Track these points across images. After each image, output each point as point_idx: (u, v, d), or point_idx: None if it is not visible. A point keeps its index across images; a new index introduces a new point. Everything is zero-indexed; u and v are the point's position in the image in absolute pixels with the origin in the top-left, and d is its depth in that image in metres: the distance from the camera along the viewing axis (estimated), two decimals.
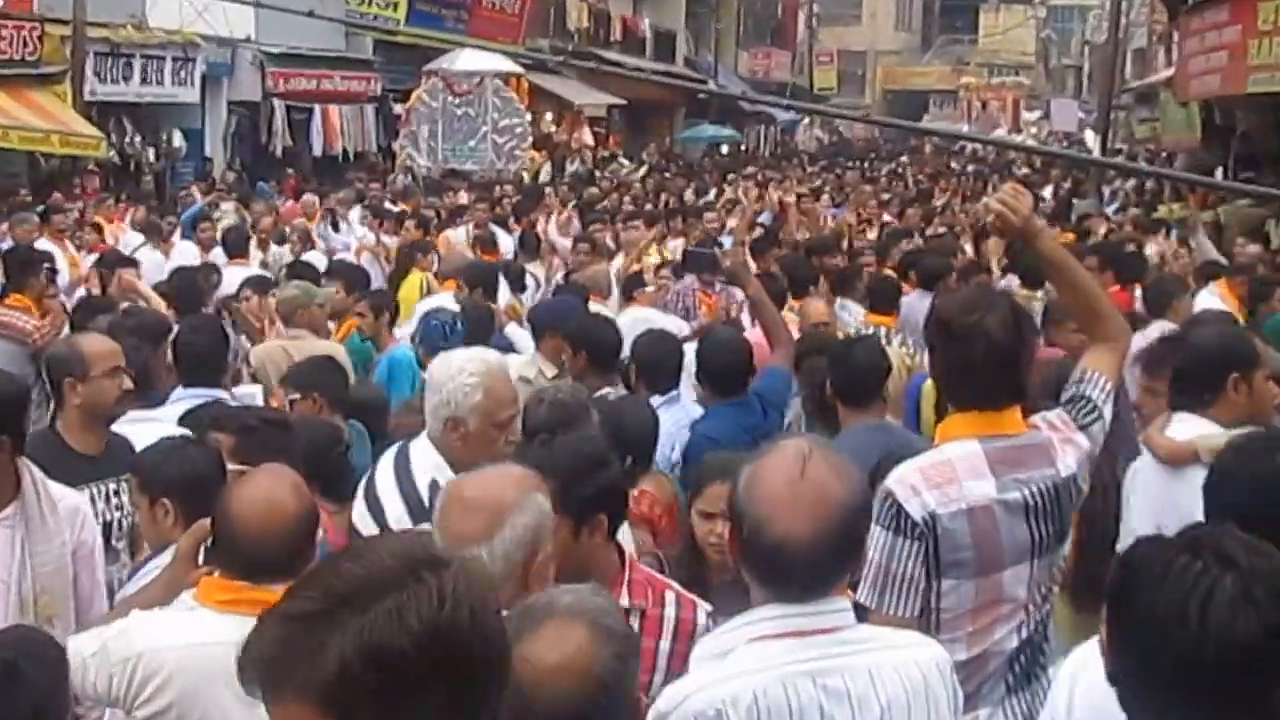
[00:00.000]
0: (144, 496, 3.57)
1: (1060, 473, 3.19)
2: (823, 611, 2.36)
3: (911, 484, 3.13)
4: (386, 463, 3.80)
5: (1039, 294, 8.86)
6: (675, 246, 12.24)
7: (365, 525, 3.68)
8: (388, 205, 15.83)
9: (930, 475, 3.14)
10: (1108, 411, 3.26)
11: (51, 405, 4.72)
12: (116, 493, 4.32)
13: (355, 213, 15.43)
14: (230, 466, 3.64)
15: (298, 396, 5.15)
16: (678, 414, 5.31)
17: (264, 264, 11.47)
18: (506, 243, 13.02)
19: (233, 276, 9.64)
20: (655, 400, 5.44)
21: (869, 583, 3.16)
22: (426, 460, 3.70)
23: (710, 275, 8.14)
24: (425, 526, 3.02)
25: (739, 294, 7.53)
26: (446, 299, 8.58)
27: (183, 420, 4.74)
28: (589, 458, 3.15)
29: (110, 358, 4.43)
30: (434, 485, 3.55)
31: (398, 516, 3.62)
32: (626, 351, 5.70)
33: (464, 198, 17.05)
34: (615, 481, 3.22)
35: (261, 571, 2.91)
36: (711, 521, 3.73)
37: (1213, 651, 1.84)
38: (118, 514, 4.32)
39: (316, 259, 11.98)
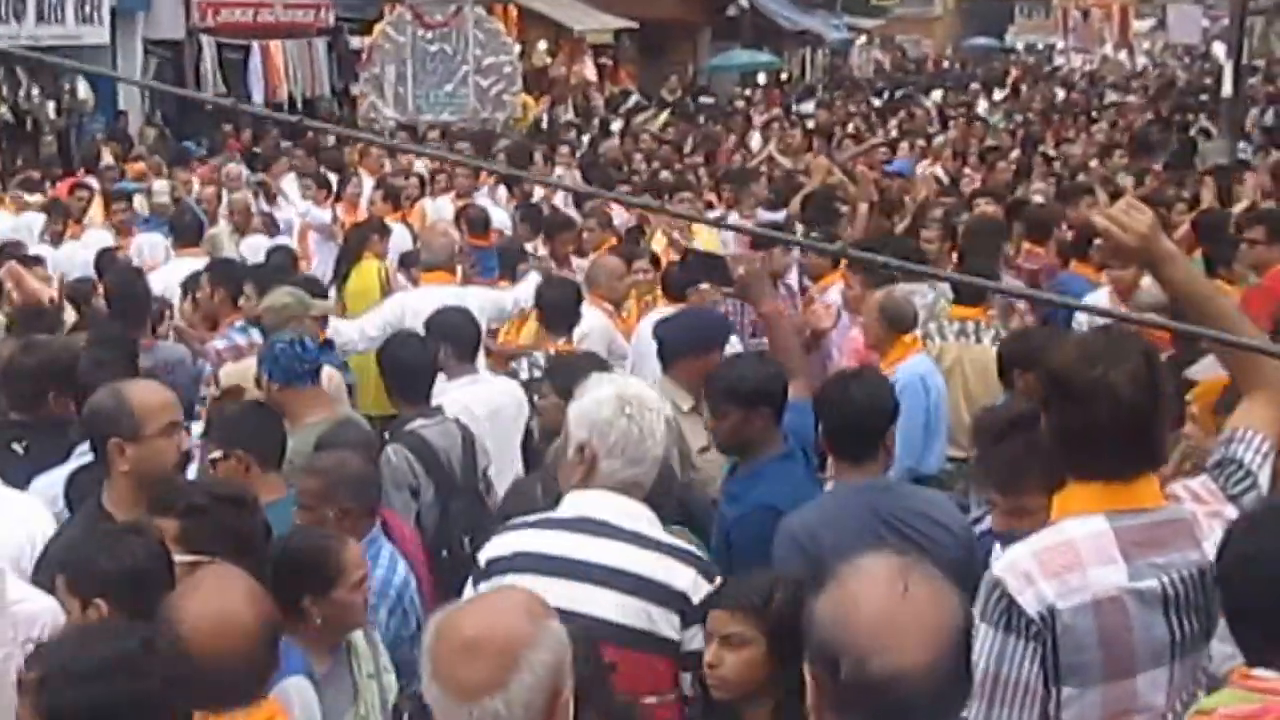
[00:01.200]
0: (74, 598, 3.60)
1: (1207, 555, 3.19)
2: None
3: (1025, 571, 3.17)
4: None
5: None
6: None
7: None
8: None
9: (1048, 561, 3.17)
10: (1264, 478, 3.30)
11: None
12: None
13: (289, 180, 15.12)
14: (177, 558, 3.68)
15: (219, 455, 5.03)
16: None
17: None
18: (499, 218, 12.93)
19: (177, 273, 9.49)
20: None
21: (975, 693, 3.15)
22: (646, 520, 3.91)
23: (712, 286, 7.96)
24: None
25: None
26: (441, 295, 8.40)
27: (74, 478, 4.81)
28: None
29: (165, 411, 4.39)
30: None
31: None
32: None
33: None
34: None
35: (218, 697, 2.96)
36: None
37: None
38: None
39: (261, 244, 12.06)
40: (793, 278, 10.12)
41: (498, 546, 3.94)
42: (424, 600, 4.85)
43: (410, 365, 6.46)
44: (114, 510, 4.33)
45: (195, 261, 9.78)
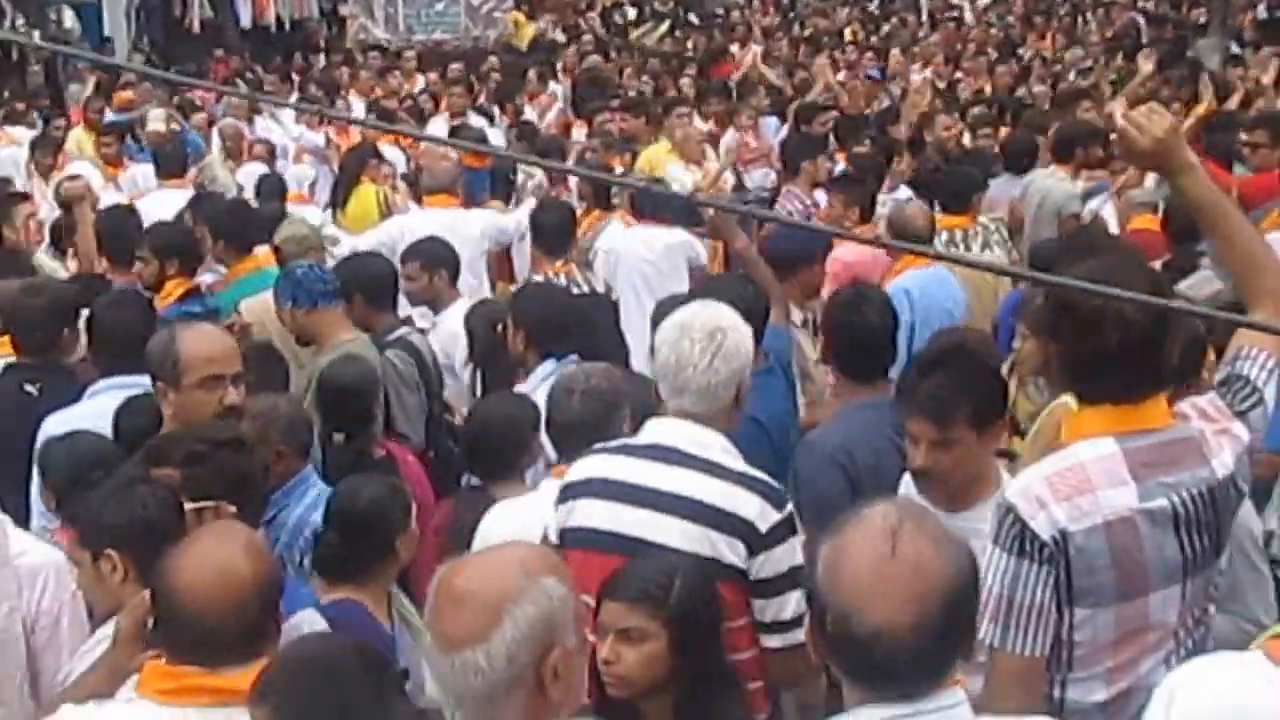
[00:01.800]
0: (84, 550, 3.60)
1: (1216, 472, 3.23)
2: (933, 710, 2.37)
3: (1037, 496, 3.18)
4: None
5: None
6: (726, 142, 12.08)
7: None
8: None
9: (1059, 485, 3.18)
10: (1270, 394, 3.29)
11: None
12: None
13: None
14: (188, 506, 3.68)
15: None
16: None
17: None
18: (494, 138, 12.88)
19: (165, 205, 9.37)
20: (546, 366, 5.68)
21: (989, 616, 3.21)
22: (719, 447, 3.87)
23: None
24: None
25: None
26: (443, 219, 8.48)
27: (121, 414, 4.81)
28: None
29: (209, 364, 4.33)
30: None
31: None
32: None
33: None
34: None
35: (215, 654, 2.95)
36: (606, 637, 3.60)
37: None
38: None
39: (257, 171, 11.98)
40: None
41: (578, 470, 3.99)
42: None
43: (384, 277, 6.63)
44: None
45: (178, 193, 9.76)
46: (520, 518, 4.37)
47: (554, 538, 3.92)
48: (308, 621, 3.86)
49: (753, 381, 4.90)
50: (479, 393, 6.41)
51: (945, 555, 2.38)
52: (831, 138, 11.36)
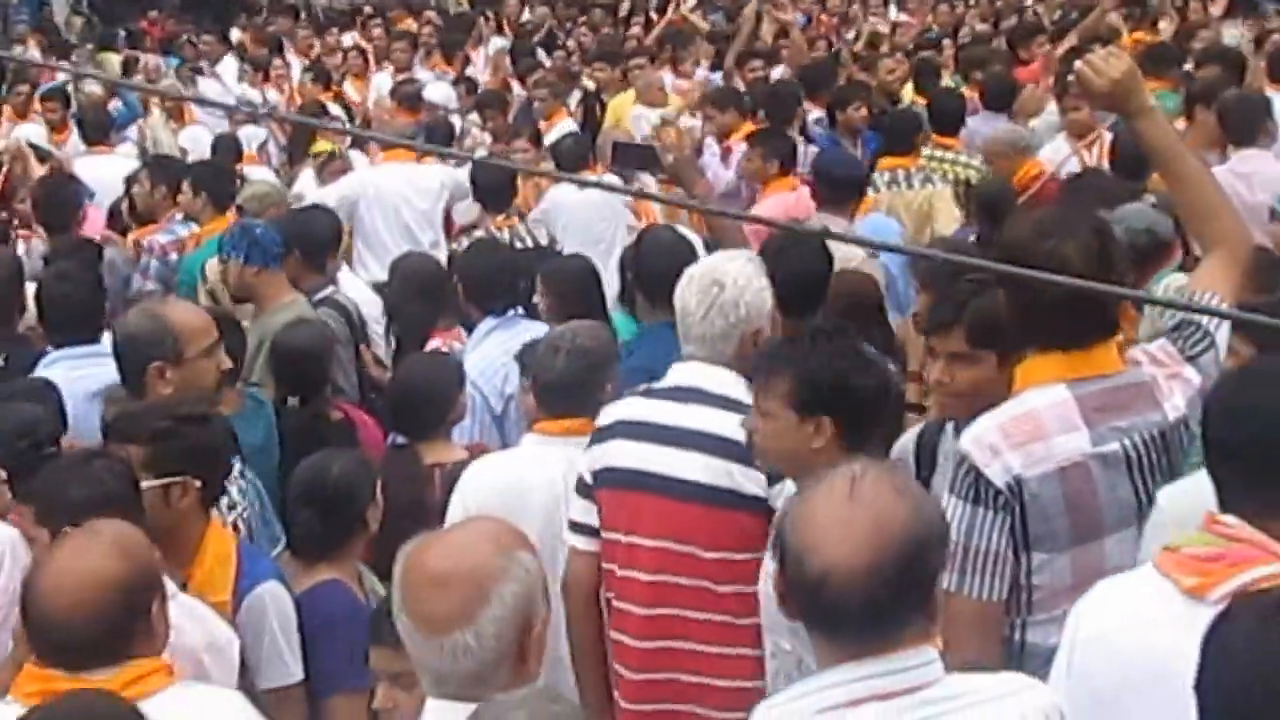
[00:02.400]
0: (41, 528, 3.57)
1: (1168, 416, 3.26)
2: (902, 668, 2.37)
3: (990, 444, 3.21)
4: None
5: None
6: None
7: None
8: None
9: (1012, 432, 3.21)
10: (1221, 339, 3.32)
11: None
12: (231, 506, 4.27)
13: (228, 64, 14.95)
14: (145, 484, 3.68)
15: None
16: (509, 340, 5.48)
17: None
18: (442, 93, 12.77)
19: (93, 171, 9.36)
20: (488, 322, 5.71)
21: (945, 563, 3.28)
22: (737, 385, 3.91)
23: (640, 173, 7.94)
24: None
25: None
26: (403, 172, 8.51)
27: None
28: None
29: (207, 332, 4.39)
30: None
31: None
32: None
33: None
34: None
35: (77, 658, 2.92)
36: None
37: None
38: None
39: (199, 134, 11.91)
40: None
41: (605, 415, 4.12)
42: None
43: (326, 236, 6.65)
44: None
45: (103, 160, 9.78)
46: (502, 475, 4.43)
47: (588, 478, 4.05)
48: (270, 594, 3.85)
49: (653, 331, 5.19)
50: (393, 348, 6.48)
51: (907, 505, 2.38)
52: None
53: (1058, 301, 3.18)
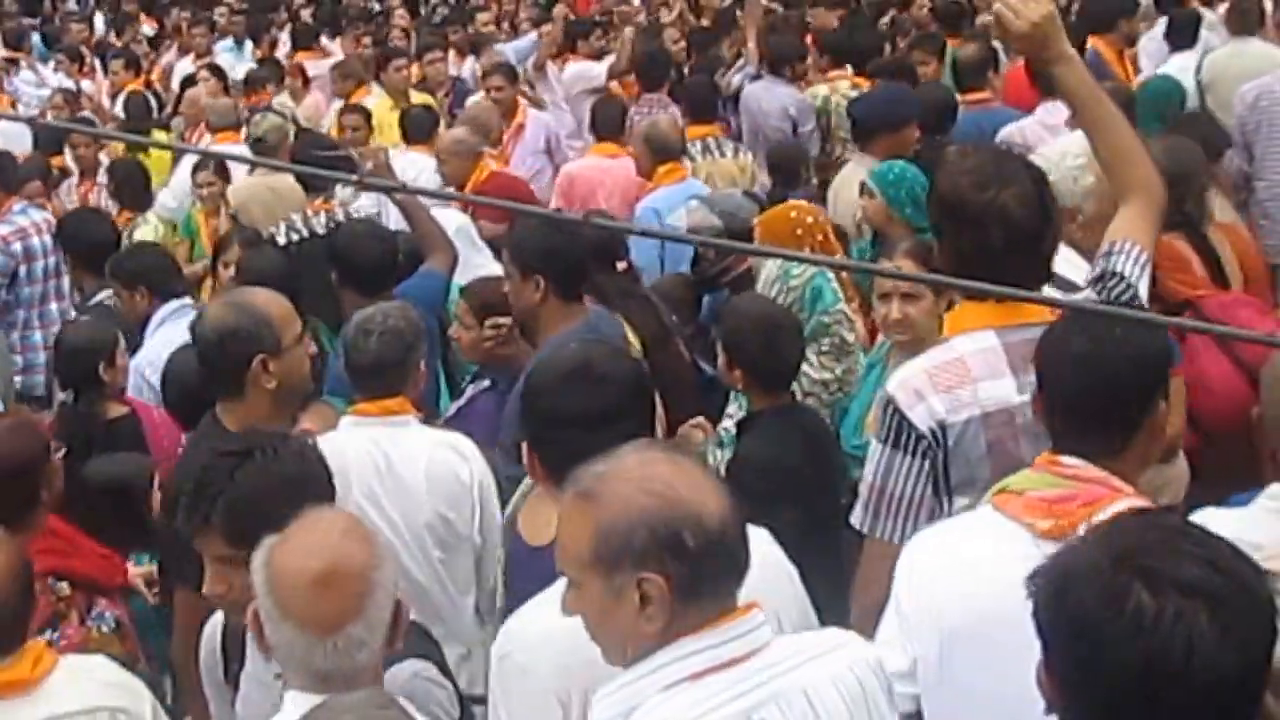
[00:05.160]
0: None
1: None
2: (737, 635, 2.32)
3: (916, 388, 3.21)
4: None
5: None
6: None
7: None
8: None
9: (939, 377, 3.21)
10: (1143, 288, 3.33)
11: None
12: None
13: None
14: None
15: None
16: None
17: None
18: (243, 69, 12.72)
19: None
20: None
21: (862, 503, 3.29)
22: None
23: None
24: None
25: None
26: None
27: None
28: None
29: (294, 319, 4.06)
30: None
31: None
32: None
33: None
34: None
35: None
36: None
37: (1194, 698, 1.85)
38: None
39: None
40: None
41: None
42: None
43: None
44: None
45: None
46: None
47: None
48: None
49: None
50: None
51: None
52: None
53: (995, 250, 3.18)
